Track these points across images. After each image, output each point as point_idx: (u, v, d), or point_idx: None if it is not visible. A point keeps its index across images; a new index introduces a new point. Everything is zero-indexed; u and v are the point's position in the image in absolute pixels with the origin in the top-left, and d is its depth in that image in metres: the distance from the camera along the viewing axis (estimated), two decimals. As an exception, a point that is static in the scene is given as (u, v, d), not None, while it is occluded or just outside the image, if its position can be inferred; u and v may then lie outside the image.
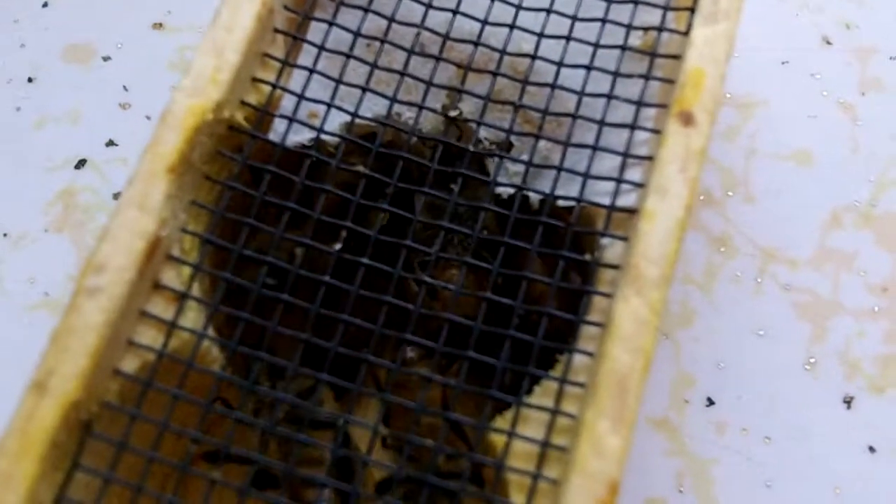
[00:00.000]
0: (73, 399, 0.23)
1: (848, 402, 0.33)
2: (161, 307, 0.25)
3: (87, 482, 0.24)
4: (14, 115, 0.37)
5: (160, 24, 0.39)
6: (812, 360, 0.33)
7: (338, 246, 0.26)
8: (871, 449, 0.32)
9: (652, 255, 0.24)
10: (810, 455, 0.32)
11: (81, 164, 0.36)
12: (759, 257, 0.34)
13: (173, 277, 0.25)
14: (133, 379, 0.24)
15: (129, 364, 0.24)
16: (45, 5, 0.39)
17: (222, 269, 0.25)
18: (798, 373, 0.33)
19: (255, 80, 0.27)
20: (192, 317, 0.25)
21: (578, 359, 0.24)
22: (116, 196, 0.36)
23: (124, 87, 0.38)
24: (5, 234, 0.35)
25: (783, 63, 0.37)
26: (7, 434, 0.22)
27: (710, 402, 0.32)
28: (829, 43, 0.38)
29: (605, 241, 0.25)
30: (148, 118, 0.37)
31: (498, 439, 0.24)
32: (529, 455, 0.24)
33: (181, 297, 0.25)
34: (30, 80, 0.38)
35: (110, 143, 0.36)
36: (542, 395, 0.24)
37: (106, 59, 0.38)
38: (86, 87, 0.38)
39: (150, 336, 0.25)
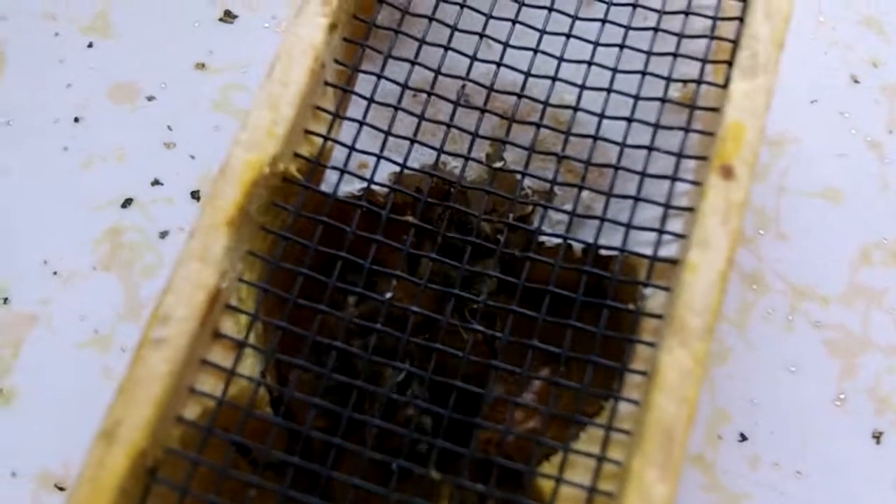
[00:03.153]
0: (139, 448, 0.24)
1: (877, 437, 0.33)
2: (220, 355, 0.26)
3: (151, 525, 0.25)
4: (61, 154, 0.38)
5: (202, 65, 0.40)
6: (842, 396, 0.34)
7: (389, 294, 0.27)
8: (902, 484, 0.32)
9: (696, 307, 0.25)
10: (841, 489, 0.33)
11: (128, 203, 0.37)
12: (791, 295, 0.35)
13: (231, 326, 0.26)
14: (194, 426, 0.25)
15: (191, 411, 0.25)
16: (90, 45, 0.40)
17: (277, 317, 0.26)
18: (828, 408, 0.34)
19: (308, 132, 0.28)
20: (250, 363, 0.26)
21: (624, 406, 0.25)
22: (162, 235, 0.37)
23: (168, 126, 0.39)
24: (55, 273, 0.36)
25: (812, 102, 0.38)
26: (79, 482, 0.23)
27: (743, 438, 0.33)
28: (857, 81, 0.39)
29: (647, 290, 0.26)
30: (192, 157, 0.38)
31: (546, 484, 0.25)
32: (577, 500, 0.24)
33: (239, 346, 0.26)
34: (76, 119, 0.39)
35: (155, 182, 0.38)
36: (589, 441, 0.25)
37: (150, 98, 0.39)
38: (131, 126, 0.39)
39: (210, 384, 0.26)
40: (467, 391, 0.26)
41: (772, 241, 0.36)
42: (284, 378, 0.26)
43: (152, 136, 0.39)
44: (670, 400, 0.24)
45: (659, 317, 0.26)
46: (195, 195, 0.37)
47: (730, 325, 0.35)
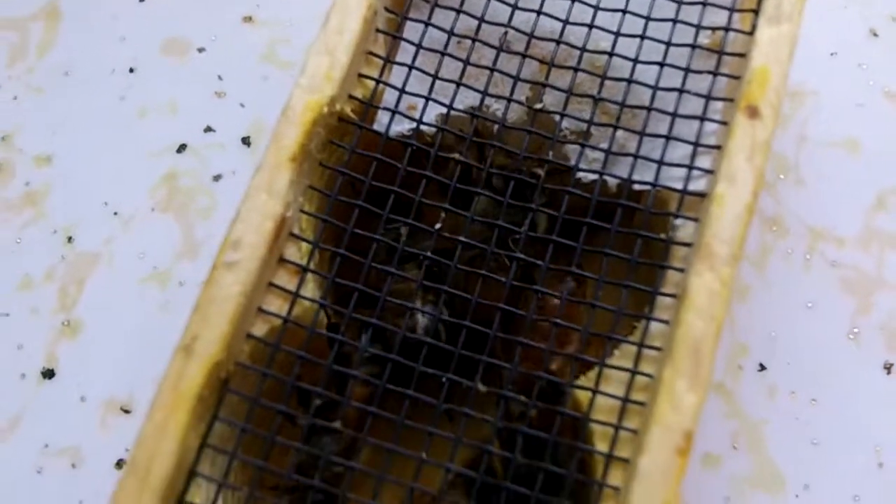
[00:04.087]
0: (215, 360, 0.26)
1: (888, 368, 0.35)
2: (285, 279, 0.28)
3: (223, 432, 0.27)
4: (118, 104, 0.40)
5: (250, 18, 0.42)
6: (856, 331, 0.36)
7: (438, 225, 0.29)
8: (910, 411, 0.35)
9: (723, 236, 0.27)
10: (853, 416, 0.35)
11: (182, 148, 0.39)
12: (809, 236, 0.37)
13: (294, 253, 0.29)
14: (263, 342, 0.27)
15: (259, 329, 0.28)
16: (141, 1, 0.43)
17: (336, 245, 0.29)
18: (843, 342, 0.36)
19: (361, 76, 0.30)
20: (311, 288, 0.29)
21: (655, 326, 0.27)
22: (216, 178, 0.39)
23: (218, 76, 0.41)
24: (116, 214, 0.38)
25: (832, 54, 0.40)
26: (160, 390, 0.26)
27: (762, 368, 0.35)
28: (875, 35, 0.40)
29: (677, 221, 0.28)
30: (242, 105, 0.40)
31: (583, 395, 0.27)
32: (612, 409, 0.27)
33: (302, 271, 0.28)
34: (131, 70, 0.41)
35: (208, 129, 0.40)
36: (622, 357, 0.28)
37: (201, 50, 0.41)
38: (183, 77, 0.41)
39: (276, 304, 0.28)
40: (511, 314, 0.28)
41: (791, 186, 0.38)
42: (342, 304, 0.29)
43: (203, 86, 0.41)
44: (699, 318, 0.26)
45: (688, 245, 0.28)
46: (245, 141, 0.39)
47: (750, 264, 0.37)
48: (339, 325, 0.28)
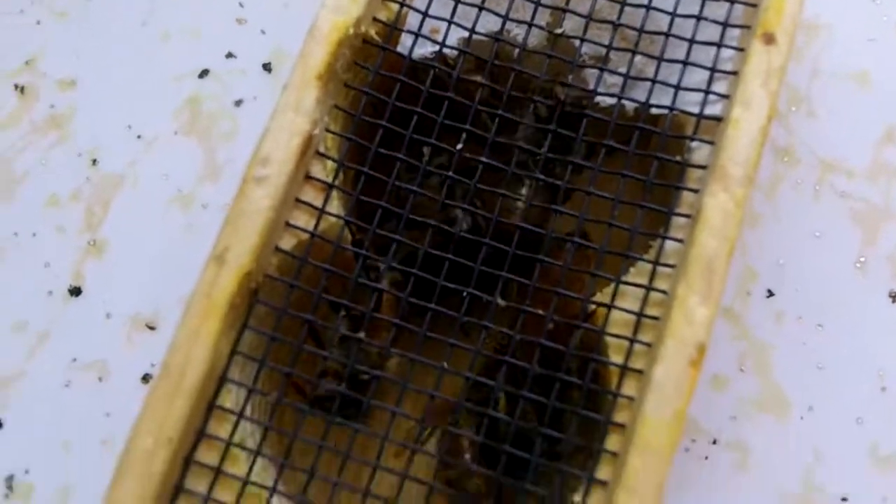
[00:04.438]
0: (246, 270, 0.27)
1: (893, 297, 0.36)
2: (311, 195, 0.29)
3: (253, 341, 0.28)
4: (141, 29, 0.41)
5: (271, -55, 0.42)
6: (862, 260, 0.37)
7: (459, 146, 0.30)
8: (913, 336, 0.36)
9: (737, 158, 0.28)
10: (857, 341, 0.36)
11: (204, 73, 0.40)
12: (819, 167, 0.38)
13: (320, 170, 0.29)
14: (291, 255, 0.28)
15: (287, 243, 0.29)
16: (162, -73, 0.43)
17: (359, 164, 0.29)
18: (849, 271, 0.37)
19: (386, -1, 0.31)
20: (336, 205, 0.29)
21: (669, 245, 0.28)
22: (237, 103, 0.40)
23: (240, 3, 0.41)
24: (139, 137, 0.39)
25: (846, -12, 0.40)
26: (194, 298, 0.27)
27: (770, 294, 0.36)
28: (889, -31, 0.41)
29: (693, 144, 0.29)
30: (263, 32, 0.41)
31: (599, 311, 0.28)
32: (627, 324, 0.28)
33: (328, 188, 0.29)
34: (152, -5, 0.42)
35: (229, 55, 0.40)
36: (637, 275, 0.29)
37: (222, -24, 0.42)
38: (204, 4, 0.41)
39: (303, 220, 0.29)
40: (529, 232, 0.29)
41: (803, 118, 0.39)
42: (366, 221, 0.30)
43: (225, 12, 0.41)
44: (713, 237, 0.27)
45: (703, 167, 0.29)
46: (266, 67, 0.40)
47: (761, 193, 0.38)
48: (363, 240, 0.29)
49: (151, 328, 0.37)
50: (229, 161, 0.39)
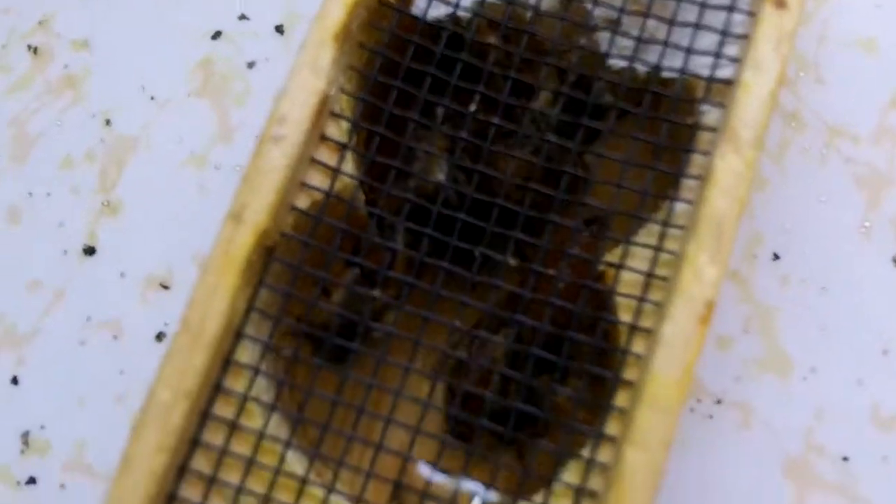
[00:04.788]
0: (262, 227, 0.28)
1: (896, 261, 0.37)
2: (326, 155, 0.30)
3: (268, 298, 0.29)
4: (153, -11, 0.41)
5: None
6: (867, 224, 0.37)
7: (472, 107, 0.30)
8: (915, 300, 0.36)
9: (748, 120, 0.28)
10: (861, 305, 0.36)
11: (217, 35, 0.40)
12: (826, 133, 0.38)
13: (335, 131, 0.30)
14: (306, 214, 0.29)
15: (302, 202, 0.29)
16: None
17: (373, 125, 0.30)
18: (854, 235, 0.37)
19: (400, -40, 0.31)
20: (350, 166, 0.30)
21: (679, 207, 0.29)
22: (250, 65, 0.40)
23: (252, -35, 0.41)
24: (153, 98, 0.40)
25: (855, -46, 0.41)
26: (212, 255, 0.27)
27: (776, 258, 0.37)
28: (898, -64, 0.41)
29: (704, 107, 0.30)
30: (276, -7, 0.41)
31: (609, 272, 0.29)
32: (636, 284, 0.28)
33: (342, 148, 0.30)
34: (164, -44, 0.42)
35: (242, 17, 0.40)
36: (647, 235, 0.29)
37: (233, -62, 0.42)
38: (215, -37, 0.42)
39: (318, 179, 0.29)
40: (540, 193, 0.30)
41: (811, 84, 0.39)
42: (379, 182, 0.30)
43: (237, -26, 0.41)
44: (723, 197, 0.27)
45: (713, 130, 0.29)
46: (279, 29, 0.40)
47: (769, 157, 0.38)
48: (376, 200, 0.30)
49: (165, 287, 0.37)
50: (242, 123, 0.39)
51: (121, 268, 0.38)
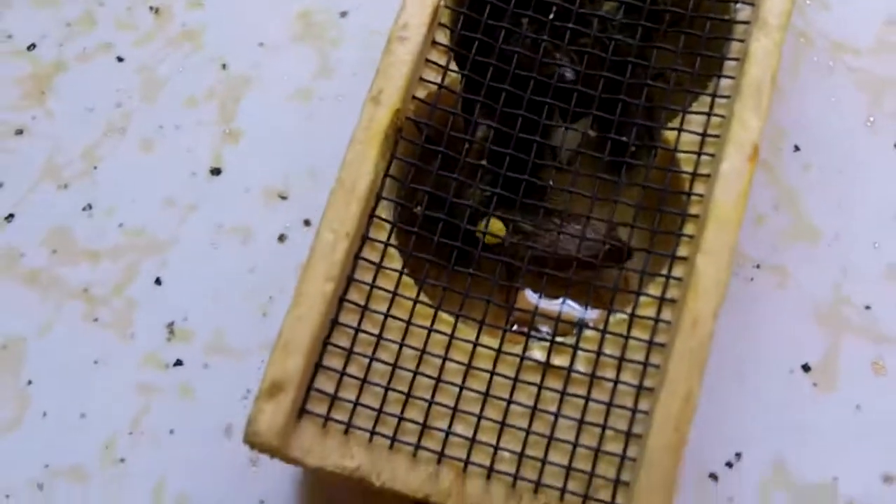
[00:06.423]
0: (396, 107, 0.35)
1: (898, 148, 0.44)
2: (437, 56, 0.37)
3: (398, 169, 0.36)
4: (254, -44, 0.48)
5: None
6: (871, 119, 0.44)
7: (551, 16, 0.37)
8: (915, 179, 0.43)
9: (774, 11, 0.35)
10: (870, 184, 0.43)
11: (313, -11, 0.47)
12: (832, 48, 0.46)
13: (443, 38, 0.37)
14: (425, 102, 0.36)
15: (421, 93, 0.36)
16: None
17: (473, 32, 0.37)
18: (861, 128, 0.44)
19: None
20: (454, 66, 0.37)
21: (723, 82, 0.36)
22: (342, 14, 0.47)
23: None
24: (261, 44, 0.47)
25: None
26: (357, 129, 0.34)
27: (797, 149, 0.44)
28: None
29: (738, 6, 0.37)
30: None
31: (671, 135, 0.36)
32: (693, 143, 0.35)
33: (449, 50, 0.37)
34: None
35: (335, -27, 0.48)
36: (700, 105, 0.36)
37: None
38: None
39: (431, 75, 0.36)
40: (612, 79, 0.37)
41: (817, 8, 0.47)
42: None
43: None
44: (759, 68, 0.35)
45: (747, 23, 0.36)
46: (367, -18, 0.47)
47: (785, 71, 0.45)
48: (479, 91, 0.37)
49: (283, 198, 0.44)
50: (338, 62, 0.46)
51: (244, 184, 0.44)
